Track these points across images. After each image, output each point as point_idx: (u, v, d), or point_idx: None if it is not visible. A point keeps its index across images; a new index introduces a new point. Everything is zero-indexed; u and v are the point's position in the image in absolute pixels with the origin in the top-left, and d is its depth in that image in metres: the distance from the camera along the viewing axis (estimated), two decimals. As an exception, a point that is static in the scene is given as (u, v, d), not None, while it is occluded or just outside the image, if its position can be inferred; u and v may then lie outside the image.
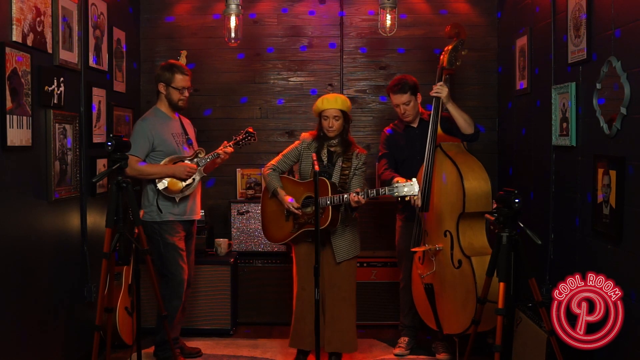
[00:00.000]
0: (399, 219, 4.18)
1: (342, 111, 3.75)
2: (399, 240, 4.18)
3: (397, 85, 3.98)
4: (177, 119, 4.03)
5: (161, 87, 3.93)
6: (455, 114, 3.86)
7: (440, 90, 3.81)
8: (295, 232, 3.76)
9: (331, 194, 3.58)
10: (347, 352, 3.88)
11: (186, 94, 3.95)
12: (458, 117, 3.86)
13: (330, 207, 3.58)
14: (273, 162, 3.91)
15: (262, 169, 3.96)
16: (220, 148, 3.97)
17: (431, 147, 3.78)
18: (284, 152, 3.92)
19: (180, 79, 3.90)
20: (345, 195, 3.55)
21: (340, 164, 3.78)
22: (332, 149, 3.83)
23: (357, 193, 3.51)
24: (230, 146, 3.99)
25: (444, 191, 3.72)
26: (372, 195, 3.50)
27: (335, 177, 3.75)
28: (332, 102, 3.73)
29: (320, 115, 3.77)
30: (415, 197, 3.77)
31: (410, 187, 3.38)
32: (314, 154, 3.58)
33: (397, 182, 3.44)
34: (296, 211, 3.71)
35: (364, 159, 3.84)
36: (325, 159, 3.81)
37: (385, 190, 3.44)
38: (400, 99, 3.97)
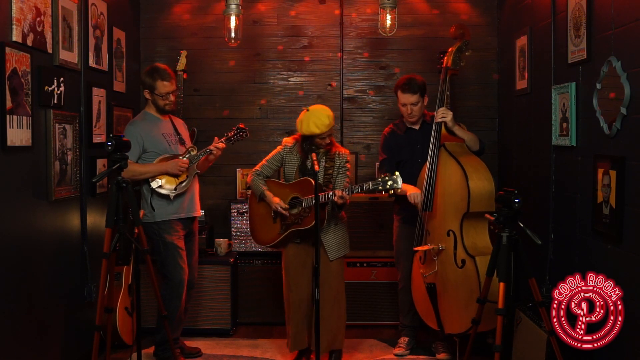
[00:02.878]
0: (397, 219, 4.18)
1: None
2: (396, 241, 4.18)
3: (407, 84, 3.94)
4: (168, 120, 4.02)
5: (146, 94, 3.92)
6: (462, 135, 3.85)
7: (446, 114, 3.79)
8: (283, 233, 3.78)
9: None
10: (337, 347, 3.89)
11: (171, 98, 3.92)
12: (465, 138, 3.86)
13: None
14: (257, 167, 3.94)
15: (247, 176, 4.00)
16: (212, 145, 3.96)
17: (435, 146, 3.78)
18: (267, 157, 3.95)
19: (162, 86, 3.86)
20: (331, 193, 3.57)
21: (324, 163, 3.81)
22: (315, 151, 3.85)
23: (343, 189, 3.57)
24: (221, 142, 3.97)
25: (448, 191, 3.71)
26: (356, 190, 3.55)
27: (320, 177, 3.76)
28: (327, 125, 3.69)
29: (312, 135, 3.71)
30: (415, 199, 3.79)
31: (393, 180, 3.40)
32: (313, 154, 3.59)
33: (382, 176, 3.45)
34: (284, 212, 3.73)
35: (347, 158, 3.86)
36: (309, 163, 3.80)
37: (369, 186, 3.47)
38: (409, 98, 3.95)
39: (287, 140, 3.95)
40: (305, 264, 3.80)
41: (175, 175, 3.86)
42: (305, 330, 3.84)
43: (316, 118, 3.68)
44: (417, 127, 4.08)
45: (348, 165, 3.87)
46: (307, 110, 3.75)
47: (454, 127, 3.83)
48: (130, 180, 3.60)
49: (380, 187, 3.42)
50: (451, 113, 3.81)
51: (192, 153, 3.92)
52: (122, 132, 4.41)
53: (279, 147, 3.95)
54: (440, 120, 3.80)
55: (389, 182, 3.41)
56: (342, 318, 3.89)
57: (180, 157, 3.88)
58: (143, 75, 3.92)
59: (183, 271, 3.88)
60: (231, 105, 5.18)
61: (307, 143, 3.79)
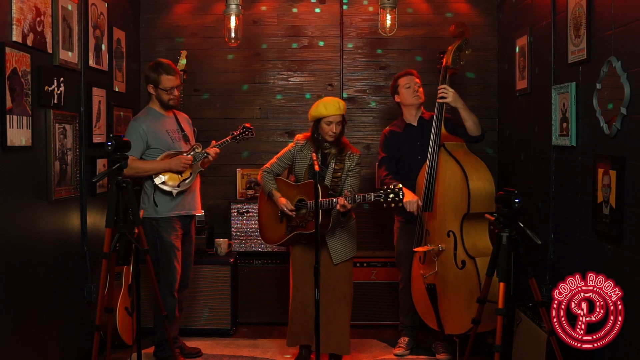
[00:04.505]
0: (397, 220, 4.18)
1: (343, 116, 3.77)
2: (397, 241, 4.18)
3: (407, 71, 4.10)
4: (172, 116, 4.02)
5: (150, 89, 3.93)
6: (465, 115, 3.87)
7: (446, 93, 3.80)
8: (288, 235, 3.78)
9: (322, 197, 3.56)
10: (342, 353, 3.86)
11: (176, 93, 3.93)
12: (467, 119, 3.87)
13: (320, 210, 3.56)
14: (268, 165, 3.92)
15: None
16: (209, 148, 3.98)
17: (435, 146, 3.78)
18: (279, 154, 3.93)
19: (166, 80, 3.87)
20: (334, 200, 3.55)
21: (333, 165, 3.78)
22: (326, 151, 3.83)
23: (345, 197, 3.53)
24: (220, 144, 4.00)
25: (448, 191, 3.71)
26: (358, 200, 3.52)
27: (328, 179, 3.75)
28: (336, 108, 3.71)
29: (321, 120, 3.74)
30: (411, 207, 3.73)
31: (395, 194, 3.39)
32: (313, 154, 3.58)
33: (384, 188, 3.44)
34: (289, 212, 3.72)
35: (357, 160, 3.82)
36: (319, 161, 3.79)
37: (371, 197, 3.45)
38: (414, 79, 4.04)
39: (299, 138, 3.91)
40: (312, 264, 3.76)
41: (179, 172, 3.86)
42: (310, 330, 3.82)
43: (326, 101, 3.74)
44: (415, 123, 4.08)
45: (358, 168, 3.84)
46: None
47: (458, 104, 3.83)
48: (132, 179, 3.61)
49: (382, 200, 3.41)
50: (452, 91, 3.80)
51: (196, 151, 3.93)
52: (122, 132, 4.42)
53: (290, 145, 3.93)
54: (441, 100, 3.80)
55: (391, 195, 3.39)
56: (347, 321, 3.85)
57: (185, 154, 3.89)
58: (147, 70, 3.92)
59: (176, 271, 3.89)
60: (231, 105, 5.18)
61: (316, 131, 3.79)
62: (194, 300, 4.48)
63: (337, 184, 3.76)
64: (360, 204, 3.62)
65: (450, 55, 3.87)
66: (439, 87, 3.84)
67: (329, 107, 3.71)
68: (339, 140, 3.82)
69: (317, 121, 3.76)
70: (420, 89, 4.06)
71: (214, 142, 4.03)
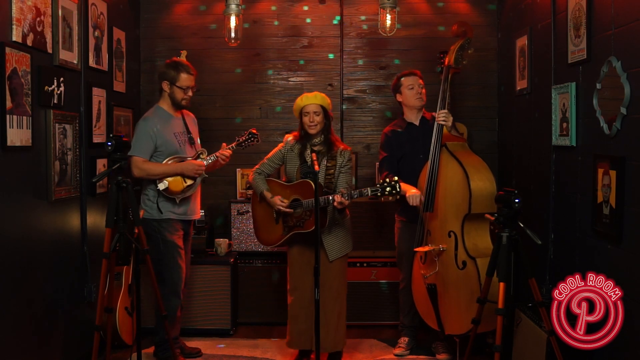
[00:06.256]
0: (398, 220, 4.17)
1: (322, 107, 3.78)
2: (398, 241, 4.18)
3: (410, 71, 4.10)
4: (180, 117, 4.02)
5: (165, 86, 3.92)
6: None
7: (447, 119, 3.81)
8: (286, 235, 3.77)
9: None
10: (337, 349, 3.87)
11: (190, 93, 3.94)
12: None
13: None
14: (258, 166, 3.92)
15: (248, 175, 3.99)
16: (219, 151, 3.96)
17: (436, 146, 3.78)
18: (269, 155, 3.94)
19: (185, 79, 3.88)
20: (331, 197, 3.56)
21: (325, 163, 3.78)
22: (315, 149, 3.82)
23: (342, 194, 3.53)
24: (229, 148, 3.98)
25: (450, 191, 3.71)
26: (355, 195, 3.54)
27: (321, 177, 3.74)
28: (311, 98, 3.78)
29: (301, 113, 3.79)
30: (414, 201, 3.74)
31: (392, 187, 3.41)
32: (314, 154, 3.59)
33: (380, 182, 3.46)
34: (286, 209, 3.71)
35: (349, 156, 3.82)
36: (309, 159, 3.79)
37: (368, 191, 3.48)
38: (417, 80, 4.05)
39: (288, 137, 3.92)
40: (309, 262, 3.78)
41: (192, 178, 3.85)
42: (309, 330, 3.82)
43: (304, 94, 3.82)
44: (417, 123, 4.09)
45: (350, 164, 3.84)
46: None
47: (450, 132, 3.87)
48: (133, 178, 3.60)
49: (379, 194, 3.43)
50: (452, 118, 3.82)
51: (201, 157, 3.92)
52: (123, 132, 4.43)
53: (280, 145, 3.93)
54: (441, 123, 3.81)
55: (388, 188, 3.41)
56: (343, 317, 3.87)
57: (191, 160, 3.88)
58: (164, 67, 3.93)
59: (181, 270, 3.89)
60: (231, 105, 5.18)
61: (301, 127, 3.81)
62: (194, 300, 4.48)
63: (330, 181, 3.76)
64: (356, 199, 3.63)
65: (453, 55, 3.86)
66: (438, 113, 3.81)
67: (304, 98, 3.79)
68: (327, 136, 3.82)
69: (300, 116, 3.81)
70: (423, 91, 4.07)
71: (224, 144, 4.02)
